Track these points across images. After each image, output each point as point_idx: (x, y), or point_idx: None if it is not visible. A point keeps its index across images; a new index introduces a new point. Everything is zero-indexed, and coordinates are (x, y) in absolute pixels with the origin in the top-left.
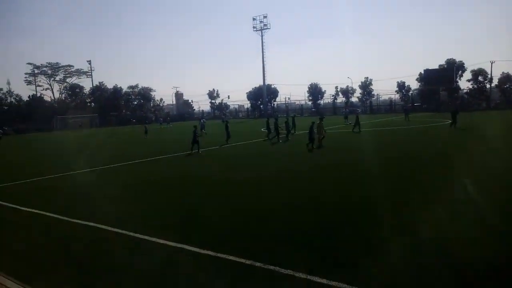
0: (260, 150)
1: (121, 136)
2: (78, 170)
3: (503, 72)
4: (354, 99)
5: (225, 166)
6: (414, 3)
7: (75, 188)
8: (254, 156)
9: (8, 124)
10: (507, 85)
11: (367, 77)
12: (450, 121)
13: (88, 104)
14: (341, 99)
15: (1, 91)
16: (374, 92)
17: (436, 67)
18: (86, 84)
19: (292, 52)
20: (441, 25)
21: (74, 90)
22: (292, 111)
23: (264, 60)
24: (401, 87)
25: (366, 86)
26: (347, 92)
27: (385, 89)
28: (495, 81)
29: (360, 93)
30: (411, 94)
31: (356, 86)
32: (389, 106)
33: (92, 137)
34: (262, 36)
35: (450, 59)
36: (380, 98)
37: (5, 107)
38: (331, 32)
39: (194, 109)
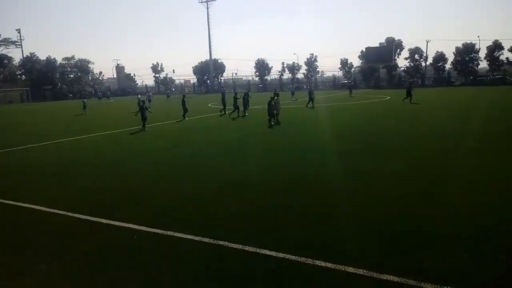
0: (221, 123)
1: (56, 111)
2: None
3: (437, 51)
4: (300, 75)
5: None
6: None
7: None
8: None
9: None
10: (440, 64)
11: (312, 54)
12: (404, 97)
13: (19, 76)
14: (287, 75)
15: None
16: (319, 69)
17: (377, 45)
18: (16, 55)
19: (239, 27)
20: (383, 3)
21: (2, 61)
22: (239, 87)
23: (210, 34)
24: (344, 64)
25: (311, 62)
26: (293, 68)
27: (329, 66)
28: (430, 60)
29: (305, 70)
30: (353, 71)
31: (302, 62)
32: (333, 83)
33: (23, 113)
34: (207, 8)
35: (390, 37)
36: (324, 75)
37: None
38: (279, 8)
39: (137, 84)
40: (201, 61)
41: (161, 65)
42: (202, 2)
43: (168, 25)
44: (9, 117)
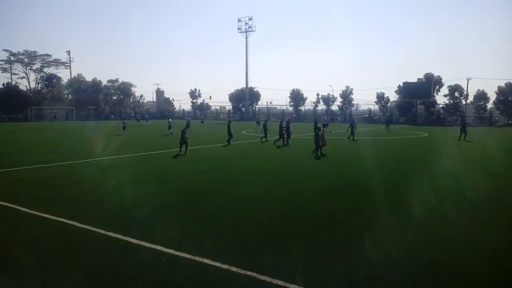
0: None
1: (98, 130)
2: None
3: (478, 90)
4: (334, 107)
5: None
6: (397, 15)
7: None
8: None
9: None
10: (482, 102)
11: (348, 86)
12: (459, 134)
13: (66, 96)
14: (321, 106)
15: None
16: (354, 102)
17: (415, 80)
18: (64, 76)
19: (275, 57)
20: (422, 39)
21: (51, 81)
22: (274, 116)
23: (248, 62)
24: (380, 98)
25: (346, 95)
26: (328, 100)
27: (364, 99)
28: (470, 98)
29: (340, 102)
30: (390, 105)
31: (337, 94)
32: (368, 116)
33: (68, 130)
34: (246, 38)
35: (429, 73)
36: (359, 108)
37: None
38: (316, 39)
39: (175, 108)
40: (237, 89)
41: (199, 90)
42: (241, 32)
43: (207, 52)
44: (55, 132)
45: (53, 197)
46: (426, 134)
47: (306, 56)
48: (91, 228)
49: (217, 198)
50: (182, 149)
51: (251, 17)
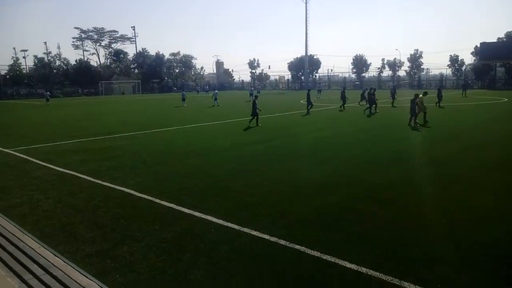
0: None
1: (161, 103)
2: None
3: None
4: (401, 72)
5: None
6: None
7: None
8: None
9: (56, 87)
10: None
11: (417, 49)
12: None
13: (132, 70)
14: (387, 72)
15: (50, 55)
16: (424, 66)
17: (495, 40)
18: (130, 50)
19: (337, 23)
20: None
21: (119, 56)
22: (334, 84)
23: (307, 29)
24: (454, 61)
25: (415, 59)
26: (394, 65)
27: (436, 63)
28: None
29: (408, 67)
30: (465, 69)
31: (404, 59)
32: (440, 82)
33: (135, 103)
34: (306, 3)
35: (510, 31)
36: (430, 73)
37: (54, 70)
38: (380, 2)
39: (234, 79)
40: (297, 57)
41: (258, 61)
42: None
43: (265, 22)
44: (120, 105)
45: (112, 166)
46: (506, 99)
47: (370, 20)
48: (147, 197)
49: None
50: (252, 121)
51: None
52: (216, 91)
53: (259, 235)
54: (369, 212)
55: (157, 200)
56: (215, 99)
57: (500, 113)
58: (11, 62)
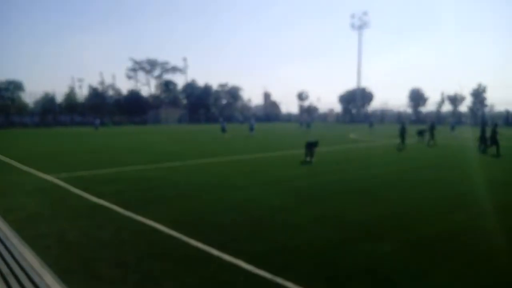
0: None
1: (203, 132)
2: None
3: None
4: (463, 108)
5: None
6: None
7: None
8: None
9: (107, 116)
10: None
11: (480, 84)
12: None
13: (180, 100)
14: (447, 107)
15: (103, 85)
16: (488, 102)
17: None
18: (180, 80)
19: (393, 54)
20: None
21: (168, 86)
22: (388, 117)
23: (361, 61)
24: None
25: (478, 94)
26: (455, 100)
27: (503, 98)
28: None
29: (470, 102)
30: None
31: (466, 94)
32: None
33: (181, 133)
34: (360, 35)
35: None
36: (495, 109)
37: (106, 100)
38: (439, 29)
39: (281, 111)
40: (348, 90)
41: (306, 93)
42: (354, 29)
43: (316, 52)
44: (170, 135)
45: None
46: None
47: (429, 51)
48: (177, 234)
49: None
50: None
51: (365, 11)
52: (253, 121)
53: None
54: (429, 267)
55: (187, 239)
56: (251, 129)
57: None
58: (68, 90)
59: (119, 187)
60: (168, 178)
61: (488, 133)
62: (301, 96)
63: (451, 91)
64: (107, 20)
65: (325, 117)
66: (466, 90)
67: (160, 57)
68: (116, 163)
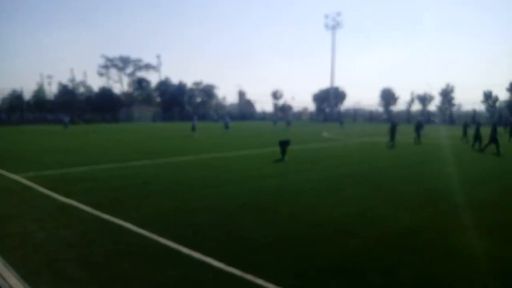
0: None
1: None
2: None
3: None
4: (431, 107)
5: None
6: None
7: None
8: None
9: (78, 113)
10: None
11: (449, 84)
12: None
13: (154, 98)
14: (416, 106)
15: (73, 82)
16: (456, 101)
17: None
18: (153, 78)
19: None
20: None
21: (141, 84)
22: (360, 116)
23: (334, 61)
24: (487, 97)
25: (447, 93)
26: (424, 99)
27: (469, 98)
28: None
29: (439, 101)
30: (498, 105)
31: (435, 93)
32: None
33: (153, 131)
34: (333, 35)
35: None
36: (462, 109)
37: (77, 97)
38: (410, 33)
39: (256, 109)
40: (322, 89)
41: (281, 91)
42: (328, 29)
43: (291, 52)
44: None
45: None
46: None
47: (400, 52)
48: (147, 233)
49: None
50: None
51: (339, 12)
52: (228, 119)
53: (264, 284)
54: (399, 260)
55: (156, 237)
56: (227, 127)
57: None
58: (36, 87)
59: (88, 186)
60: (138, 177)
61: (476, 131)
62: (275, 95)
63: (420, 91)
64: (78, 16)
65: (299, 116)
66: (435, 90)
67: (133, 54)
68: (85, 162)
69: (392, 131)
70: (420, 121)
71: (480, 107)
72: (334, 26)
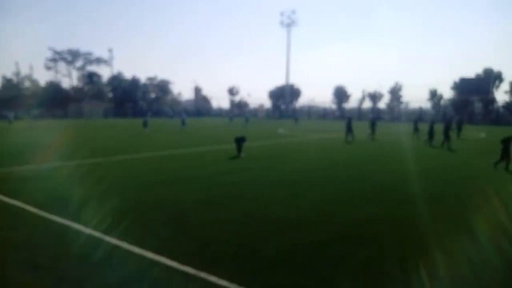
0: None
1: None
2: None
3: None
4: (381, 105)
5: None
6: (453, 4)
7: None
8: None
9: (24, 109)
10: None
11: (397, 83)
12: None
13: (106, 93)
14: (368, 103)
15: (18, 76)
16: (404, 99)
17: (472, 76)
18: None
19: (320, 53)
20: (481, 32)
21: (92, 78)
22: (314, 113)
23: (289, 58)
24: (433, 95)
25: (395, 91)
26: (374, 97)
27: (416, 96)
28: None
29: (388, 99)
30: (443, 103)
31: (385, 92)
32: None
33: (104, 127)
34: (289, 32)
35: (488, 68)
36: (410, 107)
37: (22, 92)
38: (363, 33)
39: (212, 106)
40: (277, 86)
41: (237, 88)
42: (283, 26)
43: (246, 48)
44: (92, 130)
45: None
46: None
47: (352, 51)
48: (97, 234)
49: None
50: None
51: (294, 10)
52: (185, 116)
53: (217, 281)
54: (348, 251)
55: (108, 238)
56: (183, 123)
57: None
58: None
59: (34, 186)
60: (87, 176)
61: (430, 128)
62: (232, 91)
63: (371, 89)
64: (23, 7)
65: (256, 113)
66: (384, 88)
67: (84, 47)
68: (31, 160)
69: (349, 126)
70: (373, 118)
71: (426, 104)
72: (289, 23)
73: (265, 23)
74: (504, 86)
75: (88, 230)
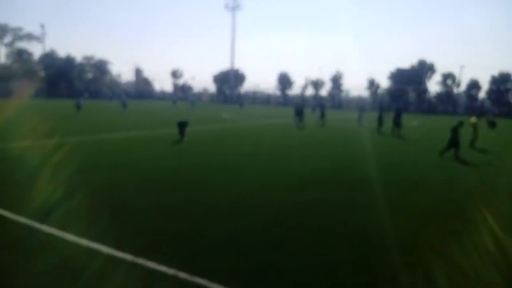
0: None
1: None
2: None
3: (471, 79)
4: (323, 92)
5: None
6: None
7: None
8: None
9: None
10: (474, 92)
11: (338, 71)
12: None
13: (38, 72)
14: (310, 91)
15: None
16: (344, 87)
17: (408, 67)
18: (36, 50)
19: (264, 39)
20: (415, 23)
21: (21, 56)
22: (258, 100)
23: (234, 43)
24: (371, 84)
25: (336, 79)
26: (316, 84)
27: (356, 85)
28: (463, 87)
29: (330, 87)
30: (380, 92)
31: (326, 79)
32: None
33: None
34: (233, 16)
35: (422, 60)
36: (350, 95)
37: None
38: (308, 21)
39: (154, 88)
40: (222, 71)
41: (181, 71)
42: (228, 9)
43: (190, 31)
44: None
45: None
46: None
47: (297, 38)
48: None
49: None
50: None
51: None
52: (125, 98)
53: (155, 267)
54: (286, 235)
55: (39, 225)
56: (124, 105)
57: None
58: None
59: None
60: (18, 160)
61: (379, 116)
62: (175, 74)
63: (314, 76)
64: None
65: (200, 97)
66: (326, 76)
67: (13, 22)
68: None
69: (300, 113)
70: (322, 105)
71: (365, 93)
72: (234, 7)
73: (210, 4)
74: (436, 77)
75: (18, 218)
